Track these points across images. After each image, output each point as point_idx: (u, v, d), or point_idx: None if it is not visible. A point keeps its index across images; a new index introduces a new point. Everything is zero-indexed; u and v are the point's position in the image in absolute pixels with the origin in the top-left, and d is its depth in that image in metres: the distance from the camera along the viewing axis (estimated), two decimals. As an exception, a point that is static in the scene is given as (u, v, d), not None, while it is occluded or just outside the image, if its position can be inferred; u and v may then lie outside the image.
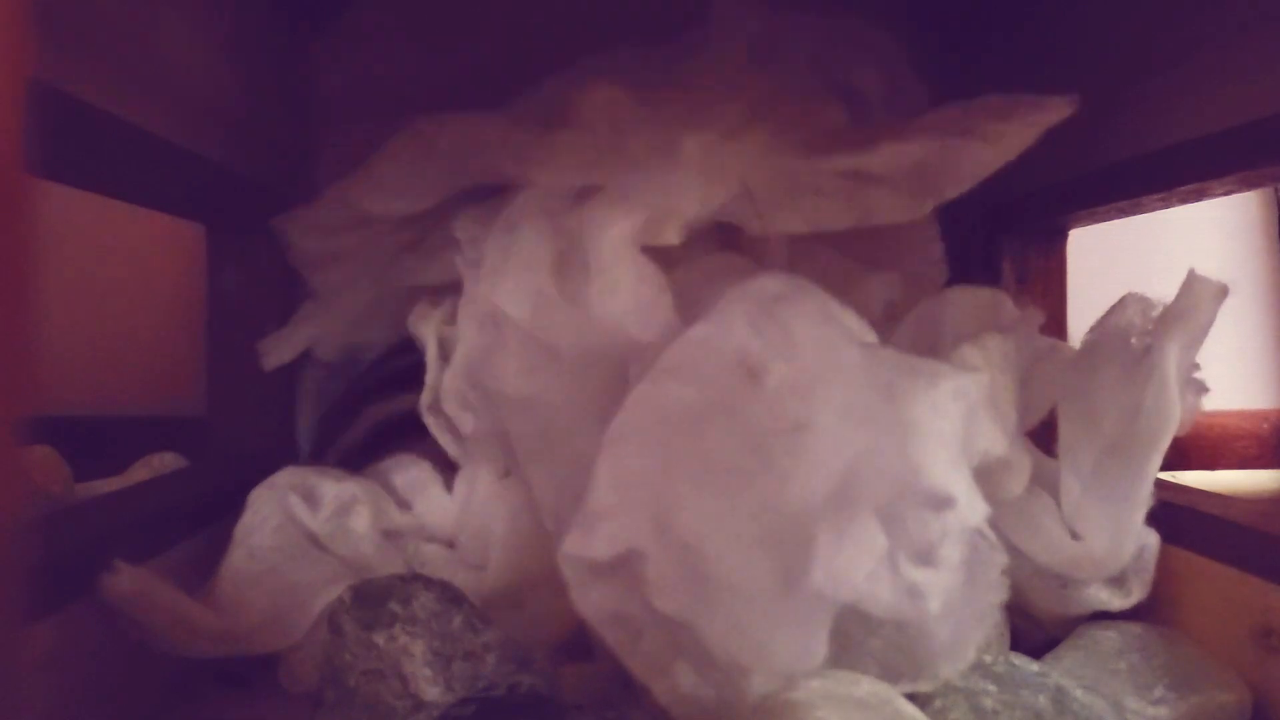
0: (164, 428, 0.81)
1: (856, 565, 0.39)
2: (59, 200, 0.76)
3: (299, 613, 0.50)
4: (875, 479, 0.40)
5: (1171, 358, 0.48)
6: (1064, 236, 0.77)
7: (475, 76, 0.77)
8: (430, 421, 0.61)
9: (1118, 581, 0.51)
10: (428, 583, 0.46)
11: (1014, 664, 0.44)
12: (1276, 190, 1.00)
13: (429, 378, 0.61)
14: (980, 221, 0.80)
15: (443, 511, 0.59)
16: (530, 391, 0.54)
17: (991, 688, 0.43)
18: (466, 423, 0.59)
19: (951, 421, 0.47)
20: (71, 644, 0.42)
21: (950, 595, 0.41)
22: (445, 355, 0.61)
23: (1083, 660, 0.49)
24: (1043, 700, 0.42)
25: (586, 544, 0.39)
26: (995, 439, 0.51)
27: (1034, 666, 0.45)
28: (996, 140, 0.56)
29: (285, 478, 0.57)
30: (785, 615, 0.39)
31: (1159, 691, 0.46)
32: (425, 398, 0.61)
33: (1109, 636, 0.50)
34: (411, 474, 0.61)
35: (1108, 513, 0.50)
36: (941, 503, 0.41)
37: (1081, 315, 0.76)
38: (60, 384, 0.84)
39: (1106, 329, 0.53)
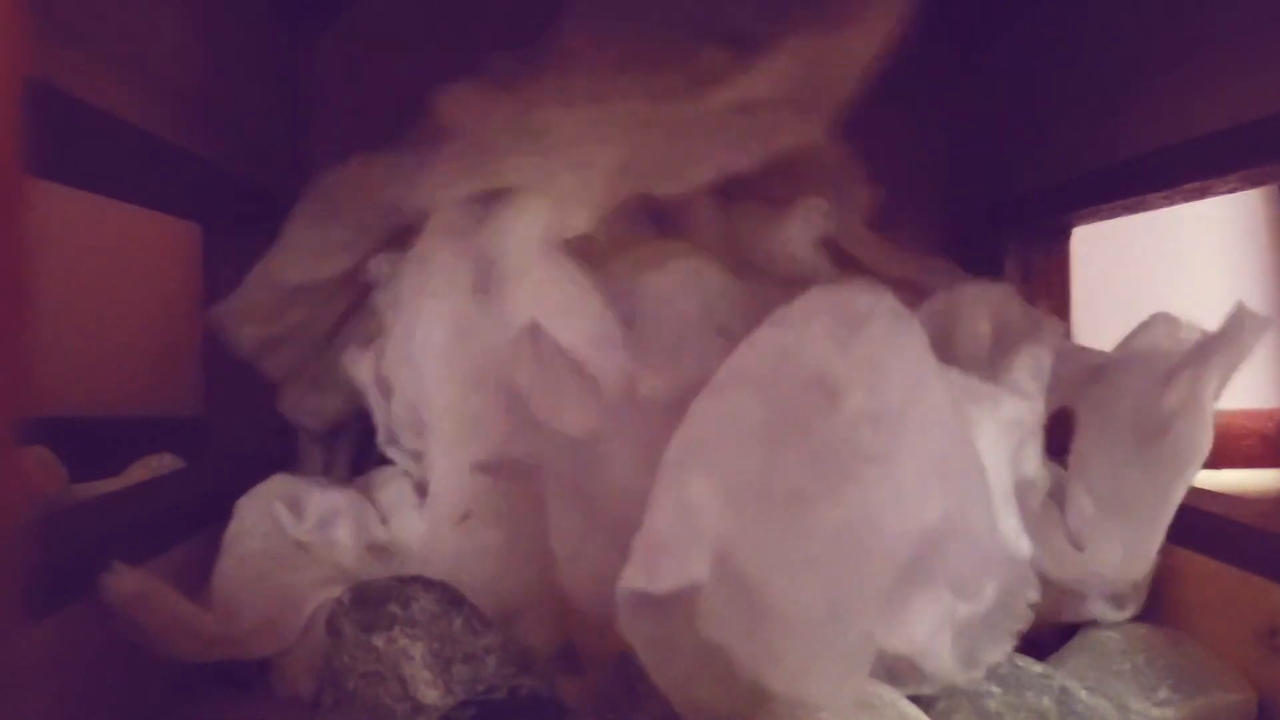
0: (161, 429, 0.81)
1: (922, 623, 0.39)
2: (56, 200, 0.76)
3: (291, 617, 0.50)
4: (960, 548, 0.39)
5: (1211, 387, 0.48)
6: (1067, 234, 0.77)
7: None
8: (394, 455, 0.61)
9: (1117, 596, 0.51)
10: (428, 584, 0.45)
11: (1018, 666, 0.44)
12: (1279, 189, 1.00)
13: (377, 418, 0.61)
14: (984, 220, 0.80)
15: (414, 533, 0.58)
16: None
17: (996, 690, 0.43)
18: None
19: (1008, 450, 0.47)
20: (71, 645, 0.41)
21: (975, 622, 0.41)
22: (385, 393, 0.60)
23: (1087, 662, 0.49)
24: (1047, 702, 0.42)
25: (648, 578, 0.36)
26: (1034, 463, 0.51)
27: (1038, 668, 0.44)
28: (860, 23, 0.55)
29: (271, 486, 0.57)
30: (829, 648, 0.37)
31: (1163, 693, 0.46)
32: (380, 436, 0.61)
33: (1113, 638, 0.50)
34: (392, 490, 0.60)
35: (1125, 532, 0.50)
36: (1010, 560, 0.41)
37: (1085, 312, 0.77)
38: (57, 384, 0.84)
39: (1135, 347, 0.53)
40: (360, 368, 0.61)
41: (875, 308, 0.40)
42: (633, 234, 0.61)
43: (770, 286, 0.64)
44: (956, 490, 0.39)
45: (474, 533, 0.54)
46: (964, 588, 0.40)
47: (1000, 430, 0.48)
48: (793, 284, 0.63)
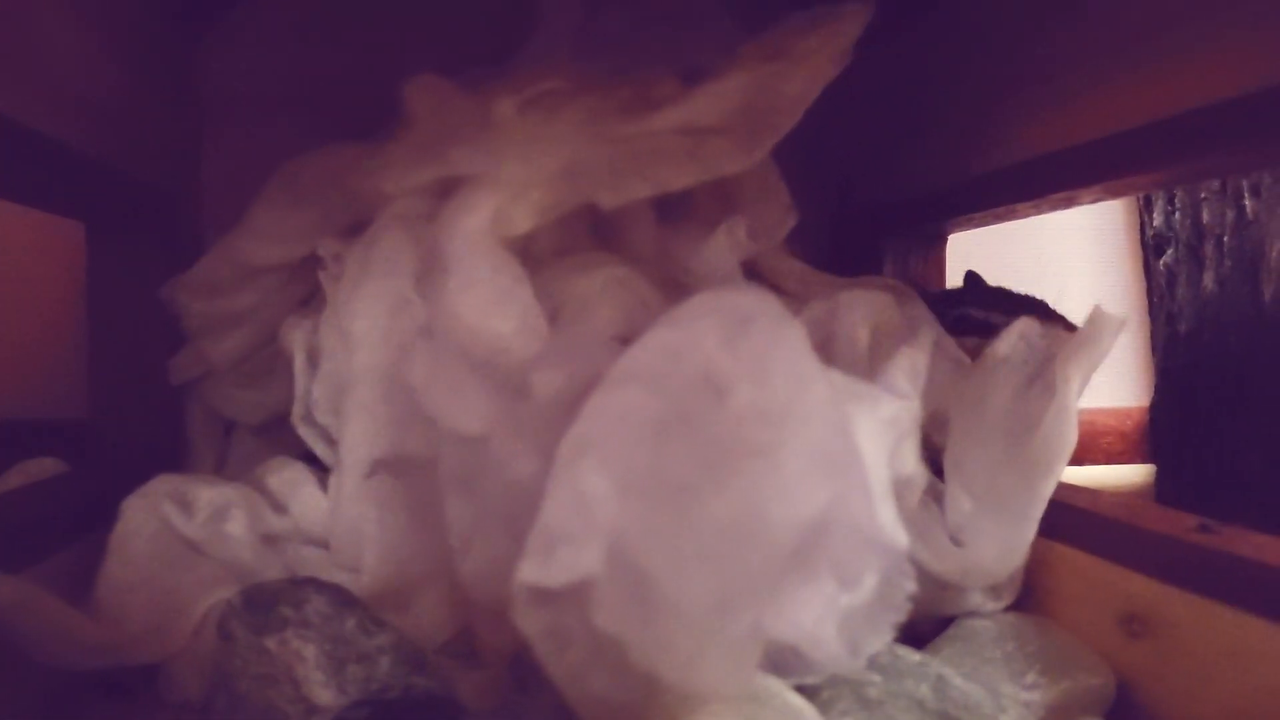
0: (41, 431, 0.79)
1: (808, 611, 0.40)
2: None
3: (180, 619, 0.49)
4: (843, 535, 0.40)
5: (1075, 386, 0.51)
6: (943, 240, 0.80)
7: (367, 75, 0.77)
8: (304, 432, 0.61)
9: (995, 588, 0.54)
10: (320, 586, 0.45)
11: (897, 655, 0.46)
12: (1141, 199, 1.05)
13: (298, 388, 0.61)
14: (862, 225, 0.82)
15: (317, 511, 0.58)
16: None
17: (876, 678, 0.44)
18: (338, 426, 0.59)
19: (886, 448, 0.49)
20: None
21: (857, 613, 0.42)
22: (314, 364, 0.60)
23: (962, 650, 0.51)
24: (924, 689, 0.44)
25: (544, 571, 0.37)
26: (912, 461, 0.53)
27: (916, 657, 0.46)
28: (807, 59, 0.58)
29: (158, 485, 0.55)
30: (718, 638, 0.38)
31: (1031, 677, 0.48)
32: (296, 408, 0.61)
33: (986, 627, 0.52)
34: (285, 475, 0.60)
35: (1001, 527, 0.52)
36: (889, 549, 0.42)
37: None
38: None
39: (1002, 350, 0.55)
40: (295, 334, 0.61)
41: (760, 309, 0.42)
42: (570, 244, 0.62)
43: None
44: (839, 481, 0.40)
45: (376, 501, 0.55)
46: (846, 576, 0.41)
47: (878, 429, 0.50)
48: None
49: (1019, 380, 0.53)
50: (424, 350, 0.50)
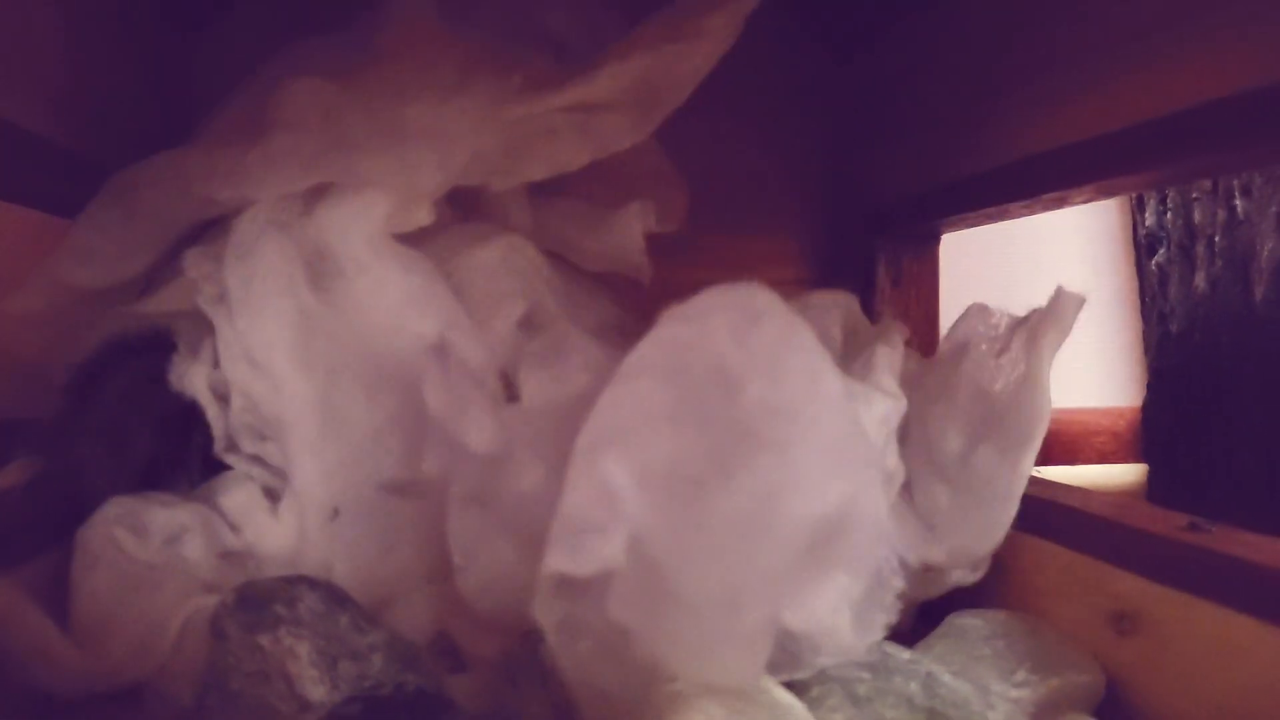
0: (35, 431, 0.79)
1: (822, 602, 0.40)
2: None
3: (159, 636, 0.48)
4: (858, 530, 0.40)
5: (1046, 360, 0.52)
6: (936, 240, 0.80)
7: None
8: (234, 462, 0.57)
9: (973, 563, 0.55)
10: (313, 584, 0.46)
11: (887, 652, 0.46)
12: (1133, 199, 1.05)
13: (215, 427, 0.57)
14: (855, 224, 0.82)
15: (272, 537, 0.55)
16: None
17: (866, 675, 0.45)
18: (271, 453, 0.56)
19: (879, 445, 0.50)
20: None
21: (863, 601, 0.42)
22: (221, 398, 0.57)
23: (952, 647, 0.51)
24: (914, 686, 0.44)
25: (571, 560, 0.37)
26: (894, 457, 0.54)
27: (906, 655, 0.47)
28: (706, 35, 0.57)
29: (109, 511, 0.53)
30: (728, 632, 0.39)
31: (1021, 675, 0.48)
32: (219, 446, 0.57)
33: (976, 625, 0.52)
34: (238, 498, 0.56)
35: (981, 511, 0.53)
36: (893, 542, 0.43)
37: (953, 316, 0.80)
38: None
39: (958, 338, 0.57)
40: (192, 379, 0.57)
41: (770, 306, 0.42)
42: (439, 220, 0.60)
43: (582, 276, 0.68)
44: (853, 477, 0.41)
45: (343, 527, 0.53)
46: (859, 569, 0.42)
47: (874, 426, 0.51)
48: (607, 276, 0.68)
49: (982, 363, 0.54)
50: (435, 374, 0.49)
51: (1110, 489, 0.98)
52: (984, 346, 0.55)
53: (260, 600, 0.43)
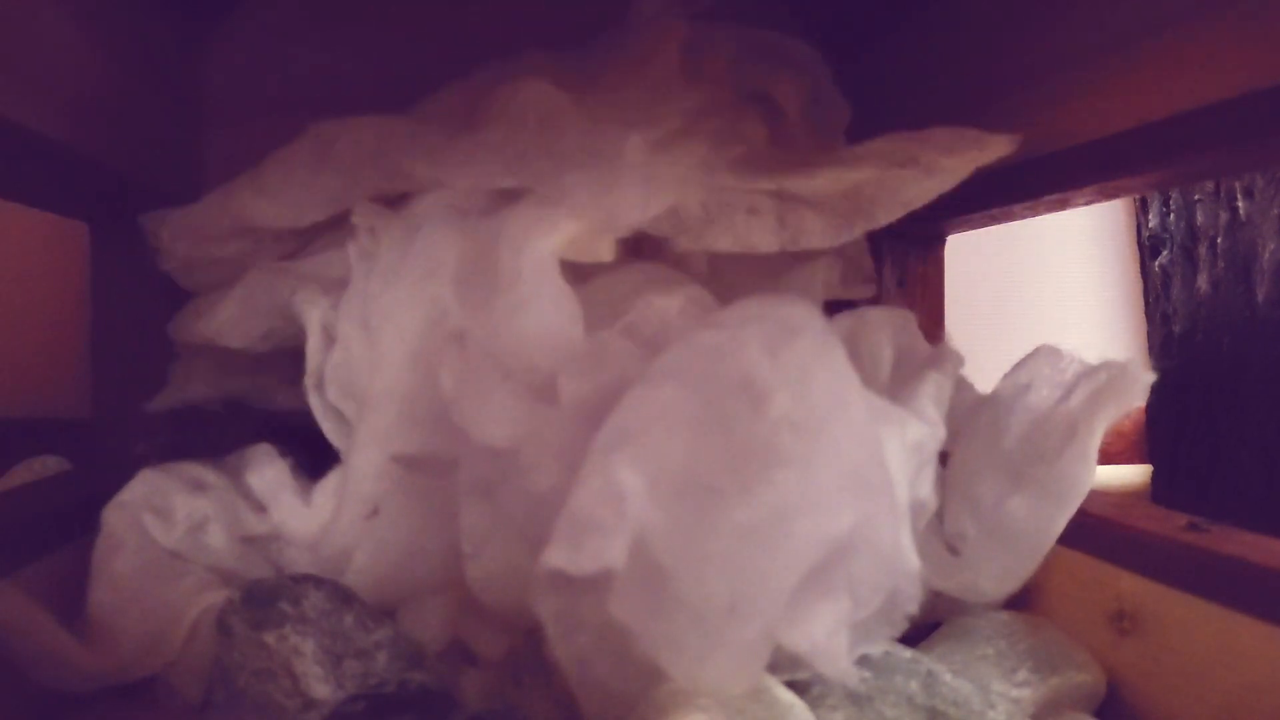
0: (46, 430, 0.79)
1: (821, 625, 0.40)
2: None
3: (172, 630, 0.49)
4: (867, 556, 0.40)
5: (1098, 432, 0.50)
6: (942, 242, 0.80)
7: (372, 76, 0.77)
8: (314, 401, 0.58)
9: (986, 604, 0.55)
10: (318, 582, 0.46)
11: (888, 651, 0.46)
12: (1138, 201, 1.06)
13: (312, 359, 0.58)
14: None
15: (298, 520, 0.56)
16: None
17: (867, 674, 0.45)
18: (350, 410, 0.56)
19: (909, 472, 0.49)
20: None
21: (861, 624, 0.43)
22: (329, 343, 0.57)
23: (953, 647, 0.51)
24: (914, 685, 0.45)
25: (571, 559, 0.37)
26: (928, 486, 0.53)
27: (907, 654, 0.47)
28: (938, 172, 0.56)
29: (137, 489, 0.54)
30: (727, 641, 0.38)
31: (1022, 674, 0.49)
32: (309, 379, 0.58)
33: (978, 624, 0.53)
34: (267, 475, 0.57)
35: (1006, 557, 0.52)
36: (905, 572, 0.43)
37: (958, 317, 0.80)
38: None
39: (1020, 379, 0.55)
40: (311, 310, 0.58)
41: (807, 322, 0.42)
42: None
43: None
44: (868, 502, 0.40)
45: (376, 526, 0.53)
46: (863, 595, 0.42)
47: (904, 452, 0.50)
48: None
49: (1037, 411, 0.53)
50: (454, 359, 0.49)
51: (1115, 489, 0.98)
52: (1045, 391, 0.54)
53: (266, 598, 0.44)
